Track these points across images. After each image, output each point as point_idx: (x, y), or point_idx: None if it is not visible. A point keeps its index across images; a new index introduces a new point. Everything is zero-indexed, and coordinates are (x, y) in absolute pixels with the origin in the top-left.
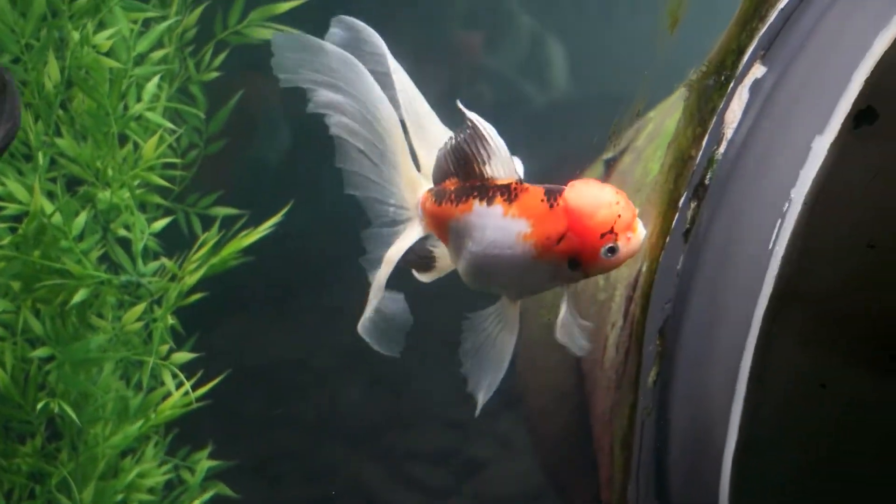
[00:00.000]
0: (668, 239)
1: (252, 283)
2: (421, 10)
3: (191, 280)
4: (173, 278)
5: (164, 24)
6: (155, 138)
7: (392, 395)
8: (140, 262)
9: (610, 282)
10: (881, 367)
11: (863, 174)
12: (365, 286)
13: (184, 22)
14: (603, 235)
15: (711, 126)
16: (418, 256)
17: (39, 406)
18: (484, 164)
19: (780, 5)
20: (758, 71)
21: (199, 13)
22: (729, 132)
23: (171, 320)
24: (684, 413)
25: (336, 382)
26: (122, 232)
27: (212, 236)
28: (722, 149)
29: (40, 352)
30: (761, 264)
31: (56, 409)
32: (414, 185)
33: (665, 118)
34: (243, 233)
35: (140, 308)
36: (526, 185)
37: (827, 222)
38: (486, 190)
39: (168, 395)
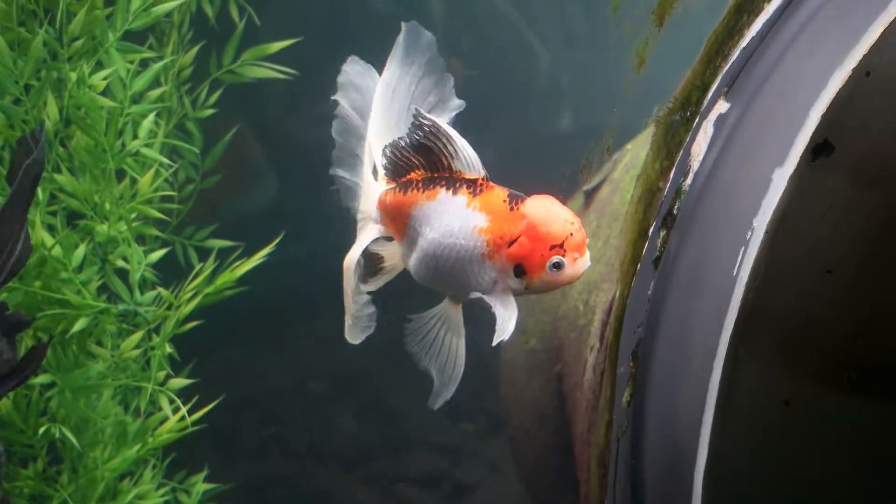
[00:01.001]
0: (639, 266)
1: (247, 313)
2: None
3: (186, 309)
4: (170, 307)
5: (159, 64)
6: (150, 173)
7: (384, 421)
8: (137, 291)
9: (589, 307)
10: (841, 385)
11: (820, 203)
12: None
13: (180, 61)
14: (552, 248)
15: (678, 159)
16: (364, 259)
17: (41, 431)
18: (452, 158)
19: (742, 44)
20: (722, 107)
21: (195, 53)
22: (695, 164)
23: (168, 348)
24: (657, 430)
25: (329, 409)
26: (121, 263)
27: (207, 267)
28: (689, 180)
29: (42, 378)
30: (727, 289)
31: (57, 434)
32: (373, 190)
33: (640, 150)
34: (236, 263)
35: (137, 336)
36: (492, 184)
37: (787, 249)
38: (453, 181)
39: (165, 420)
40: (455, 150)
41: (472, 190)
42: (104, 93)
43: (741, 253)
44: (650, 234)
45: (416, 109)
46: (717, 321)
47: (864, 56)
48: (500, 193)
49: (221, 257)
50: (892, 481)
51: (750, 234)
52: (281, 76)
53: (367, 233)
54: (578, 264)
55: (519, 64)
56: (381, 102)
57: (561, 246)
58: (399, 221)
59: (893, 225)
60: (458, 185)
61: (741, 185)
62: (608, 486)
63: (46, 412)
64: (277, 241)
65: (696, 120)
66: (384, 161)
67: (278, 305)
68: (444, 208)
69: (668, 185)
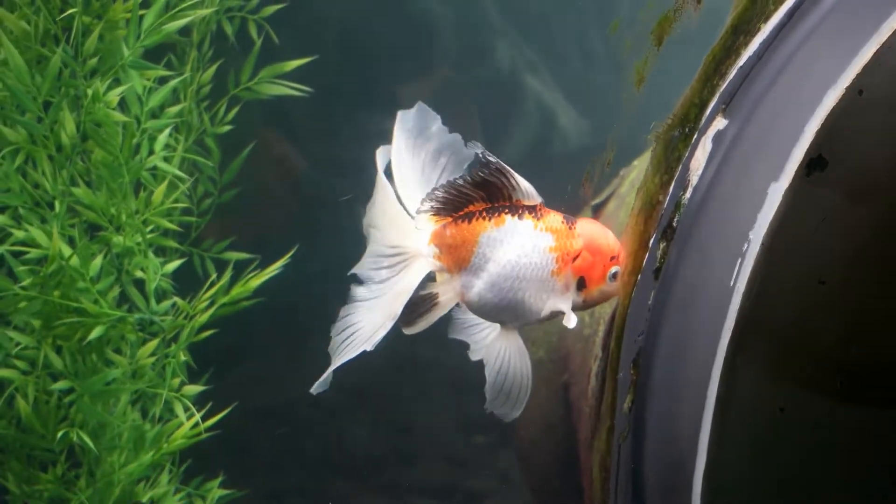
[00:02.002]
0: (639, 277)
1: (264, 326)
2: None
3: (202, 318)
4: (186, 317)
5: (175, 81)
6: (163, 186)
7: (396, 432)
8: (153, 301)
9: (594, 318)
10: (834, 393)
11: (814, 217)
12: None
13: (199, 79)
14: (612, 258)
15: (677, 173)
16: (418, 298)
17: (59, 435)
18: (514, 189)
19: (740, 63)
20: (720, 123)
21: (214, 70)
22: (694, 179)
23: (182, 356)
24: (657, 437)
25: (343, 420)
26: (140, 273)
27: (224, 278)
28: (688, 194)
29: (60, 384)
30: (724, 299)
31: (75, 438)
32: (409, 230)
33: (646, 166)
34: (250, 275)
35: (153, 344)
36: (547, 208)
37: (783, 261)
38: (516, 208)
39: (181, 426)
40: (517, 182)
41: (534, 214)
42: (122, 109)
43: (738, 264)
44: (650, 245)
45: (482, 150)
46: (714, 330)
47: (858, 75)
48: (556, 216)
49: (239, 270)
50: (887, 486)
51: (746, 246)
52: (297, 93)
53: (419, 270)
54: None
55: (524, 86)
56: (401, 166)
57: (616, 257)
58: (464, 251)
59: (883, 237)
60: (521, 211)
61: (738, 198)
62: (610, 489)
63: (67, 418)
64: (291, 253)
65: (695, 136)
66: (431, 202)
67: (294, 319)
68: (515, 231)
69: (667, 199)
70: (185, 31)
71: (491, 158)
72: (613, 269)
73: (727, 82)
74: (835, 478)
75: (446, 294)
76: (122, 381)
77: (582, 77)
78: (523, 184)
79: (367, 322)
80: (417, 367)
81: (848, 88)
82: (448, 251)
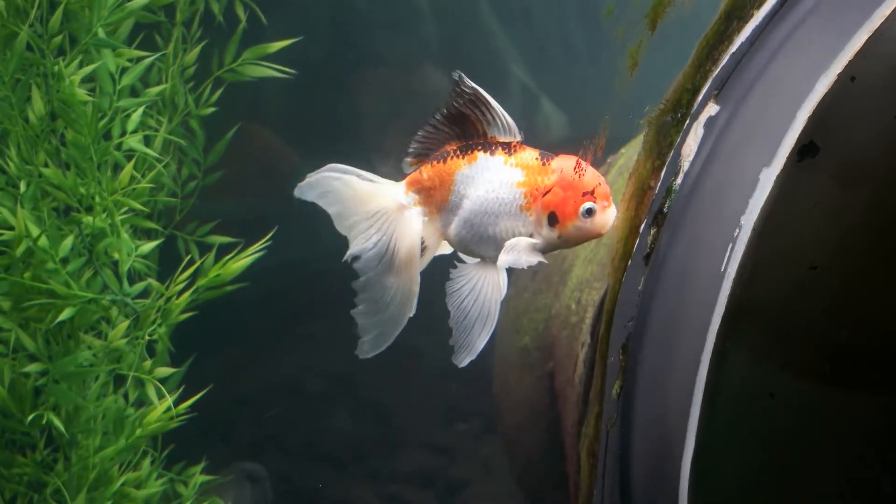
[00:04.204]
0: (629, 262)
1: (246, 313)
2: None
3: (180, 300)
4: (162, 299)
5: (149, 59)
6: (129, 166)
7: (379, 420)
8: (126, 282)
9: (581, 305)
10: (824, 377)
11: (806, 202)
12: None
13: (183, 59)
14: (584, 195)
15: (669, 159)
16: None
17: (30, 418)
18: (488, 125)
19: (732, 49)
20: (711, 109)
21: (199, 51)
22: (685, 164)
23: (151, 337)
24: (646, 422)
25: (326, 407)
26: (115, 255)
27: (207, 262)
28: (679, 180)
29: (34, 367)
30: (715, 284)
31: (45, 421)
32: (377, 194)
33: (634, 154)
34: (227, 256)
35: (124, 326)
36: (524, 145)
37: (773, 246)
38: (489, 145)
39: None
40: (492, 117)
41: (507, 150)
42: (92, 88)
43: (729, 250)
44: (641, 231)
45: (460, 75)
46: (705, 316)
47: (850, 62)
48: (532, 152)
49: (223, 254)
50: (877, 471)
51: (738, 231)
52: (281, 75)
53: (411, 223)
54: (608, 213)
55: (508, 74)
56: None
57: (592, 193)
58: (442, 190)
59: (875, 223)
60: (494, 148)
61: (730, 184)
62: (598, 475)
63: (46, 402)
64: (270, 236)
65: (687, 122)
66: (415, 145)
67: (277, 306)
68: (486, 168)
69: (659, 184)
70: (169, 11)
71: (467, 88)
72: (587, 205)
73: (720, 68)
74: (825, 462)
75: (432, 237)
76: (97, 363)
77: (562, 70)
78: (503, 116)
79: (397, 289)
80: (401, 355)
81: (840, 75)
82: (427, 194)
